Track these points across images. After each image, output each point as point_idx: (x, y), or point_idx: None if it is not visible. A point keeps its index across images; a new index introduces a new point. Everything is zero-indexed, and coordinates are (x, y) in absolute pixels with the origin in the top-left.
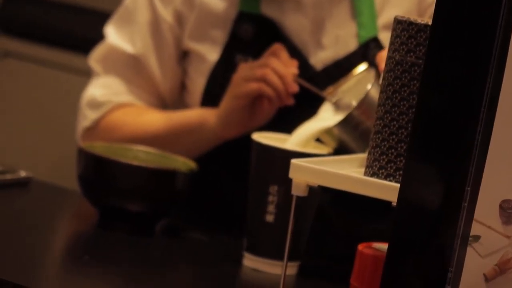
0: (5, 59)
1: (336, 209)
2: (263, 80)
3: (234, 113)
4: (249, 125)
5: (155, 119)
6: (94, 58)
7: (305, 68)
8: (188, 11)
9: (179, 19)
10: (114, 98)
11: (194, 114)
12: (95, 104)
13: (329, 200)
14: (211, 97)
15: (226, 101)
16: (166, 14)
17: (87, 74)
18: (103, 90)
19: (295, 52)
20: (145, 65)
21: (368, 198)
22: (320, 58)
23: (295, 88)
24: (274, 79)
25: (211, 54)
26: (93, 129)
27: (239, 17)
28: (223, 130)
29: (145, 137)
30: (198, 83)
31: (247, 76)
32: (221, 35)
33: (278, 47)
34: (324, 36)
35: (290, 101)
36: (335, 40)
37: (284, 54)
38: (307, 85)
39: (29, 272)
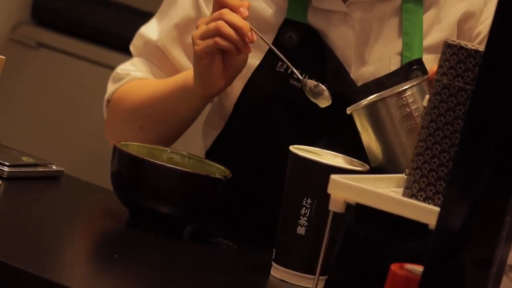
0: (38, 50)
1: (366, 226)
2: (218, 34)
3: (204, 72)
4: (227, 78)
5: (151, 86)
6: (132, 43)
7: (345, 82)
8: None
9: None
10: (132, 73)
11: (180, 76)
12: (115, 78)
13: (360, 217)
14: (248, 102)
15: (194, 63)
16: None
17: None
18: (127, 67)
19: (337, 65)
20: (167, 55)
21: (400, 218)
22: (361, 74)
23: (252, 38)
24: (229, 31)
25: (253, 59)
26: (110, 101)
27: (284, 24)
28: (203, 90)
29: (143, 104)
30: (236, 86)
31: (202, 33)
32: (263, 42)
33: None
34: (367, 52)
35: (249, 50)
36: (379, 58)
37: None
38: (263, 38)
39: (57, 267)
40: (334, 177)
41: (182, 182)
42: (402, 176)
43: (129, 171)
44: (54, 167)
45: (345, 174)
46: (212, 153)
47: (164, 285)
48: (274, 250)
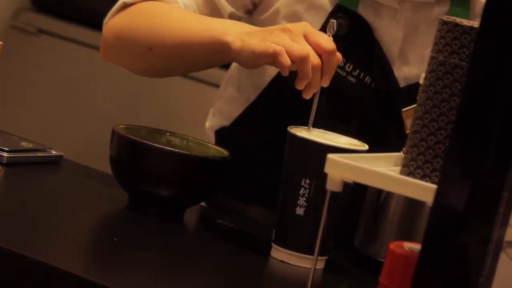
0: (39, 36)
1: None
2: (302, 61)
3: (254, 59)
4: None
5: (182, 17)
6: None
7: (389, 80)
8: None
9: None
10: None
11: (217, 28)
12: None
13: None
14: (283, 82)
15: (253, 44)
16: None
17: None
18: None
19: (383, 60)
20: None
21: None
22: (403, 73)
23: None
24: (308, 69)
25: None
26: (130, 7)
27: (336, 9)
28: (243, 64)
29: (166, 32)
30: None
31: (289, 48)
32: (312, 24)
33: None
34: (412, 53)
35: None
36: (421, 59)
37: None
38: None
39: (56, 251)
40: (331, 156)
41: (182, 164)
42: (400, 154)
43: (128, 155)
44: (54, 152)
45: (343, 153)
46: (232, 131)
47: (164, 267)
48: (274, 231)
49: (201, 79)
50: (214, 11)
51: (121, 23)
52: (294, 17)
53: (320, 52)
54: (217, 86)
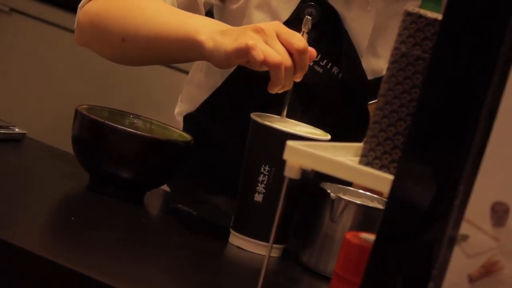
0: (11, 14)
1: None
2: (274, 66)
3: (227, 59)
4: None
5: (156, 10)
6: None
7: (356, 71)
8: None
9: None
10: None
11: (191, 25)
12: None
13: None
14: (245, 73)
15: (225, 44)
16: None
17: None
18: None
19: (351, 52)
20: None
21: None
22: (371, 65)
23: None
24: (282, 73)
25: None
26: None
27: None
28: (216, 64)
29: (139, 24)
30: None
31: (265, 51)
32: (283, 12)
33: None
34: (380, 45)
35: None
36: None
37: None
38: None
39: (15, 229)
40: (290, 143)
41: (143, 147)
42: (361, 145)
43: (90, 135)
44: (17, 130)
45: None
46: (198, 116)
47: (121, 248)
48: (233, 217)
49: (172, 65)
50: None
51: (97, 10)
52: (265, 6)
53: (292, 52)
54: (188, 72)
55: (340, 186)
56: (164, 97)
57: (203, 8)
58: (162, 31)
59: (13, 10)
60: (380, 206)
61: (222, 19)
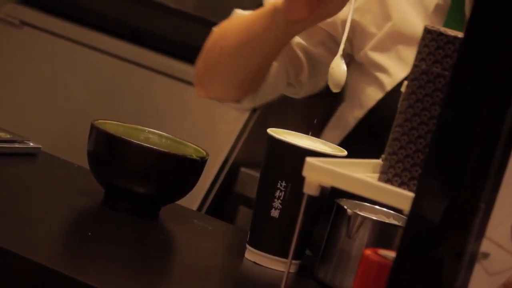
0: (21, 28)
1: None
2: None
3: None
4: (312, 9)
5: (245, 15)
6: None
7: None
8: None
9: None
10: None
11: (269, 4)
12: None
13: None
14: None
15: None
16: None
17: (100, 50)
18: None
19: None
20: None
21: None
22: None
23: None
24: None
25: (397, 70)
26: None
27: None
28: (289, 12)
29: (232, 28)
30: (371, 95)
31: None
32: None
33: None
34: None
35: None
36: None
37: None
38: None
39: (30, 244)
40: (309, 159)
41: (158, 162)
42: (379, 161)
43: (106, 150)
44: (31, 144)
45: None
46: None
47: (136, 263)
48: (249, 232)
49: (179, 77)
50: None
51: (204, 50)
52: (391, 51)
53: None
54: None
55: (357, 202)
56: (170, 109)
57: None
58: (249, 20)
59: (23, 23)
60: (397, 223)
61: None
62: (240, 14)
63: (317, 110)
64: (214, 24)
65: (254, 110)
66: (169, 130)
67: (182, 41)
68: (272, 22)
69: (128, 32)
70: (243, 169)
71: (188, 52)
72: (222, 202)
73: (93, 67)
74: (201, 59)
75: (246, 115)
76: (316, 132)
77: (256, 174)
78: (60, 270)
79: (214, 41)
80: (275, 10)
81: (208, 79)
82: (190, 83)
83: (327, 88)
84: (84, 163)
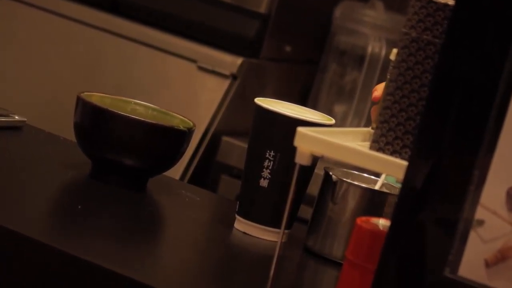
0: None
1: None
2: None
3: None
4: None
5: None
6: None
7: None
8: None
9: None
10: None
11: None
12: None
13: None
14: None
15: None
16: None
17: (80, 21)
18: None
19: None
20: None
21: None
22: None
23: None
24: None
25: None
26: None
27: None
28: None
29: None
30: None
31: None
32: None
33: None
34: None
35: None
36: None
37: None
38: None
39: (18, 218)
40: (300, 129)
41: (145, 133)
42: (368, 130)
43: (92, 122)
44: (17, 117)
45: (310, 127)
46: None
47: (125, 235)
48: (238, 202)
49: (159, 47)
50: None
51: None
52: None
53: None
54: (176, 55)
55: (345, 170)
56: (152, 80)
57: None
58: None
59: None
60: (384, 189)
61: None
62: None
63: (297, 77)
64: None
65: (234, 78)
66: (150, 100)
67: (162, 11)
68: None
69: (106, 2)
70: (224, 138)
71: (168, 22)
72: (204, 172)
73: (74, 39)
74: None
75: (226, 84)
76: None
77: (237, 142)
78: (50, 243)
79: None
80: None
81: None
82: (170, 53)
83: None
84: (68, 135)
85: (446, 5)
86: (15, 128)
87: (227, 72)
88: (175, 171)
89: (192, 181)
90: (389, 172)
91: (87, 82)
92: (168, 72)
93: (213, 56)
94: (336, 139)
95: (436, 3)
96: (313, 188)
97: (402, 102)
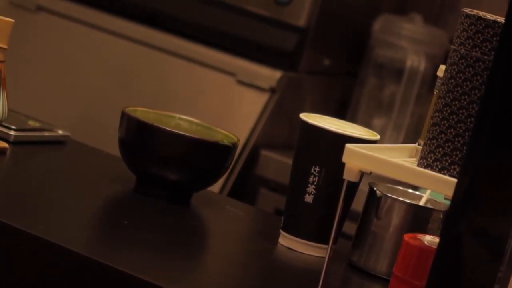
0: (37, 13)
1: None
2: None
3: None
4: None
5: None
6: None
7: None
8: None
9: None
10: None
11: None
12: None
13: None
14: None
15: None
16: None
17: (118, 34)
18: None
19: None
20: None
21: None
22: None
23: None
24: None
25: None
26: None
27: None
28: None
29: None
30: None
31: None
32: None
33: None
34: None
35: None
36: None
37: None
38: None
39: (64, 232)
40: (349, 146)
41: (190, 148)
42: (415, 146)
43: (137, 137)
44: (60, 132)
45: (355, 143)
46: None
47: (173, 251)
48: (283, 218)
49: (196, 59)
50: None
51: None
52: None
53: None
54: (214, 68)
55: (390, 185)
56: (189, 93)
57: None
58: None
59: (39, 8)
60: (428, 205)
61: None
62: None
63: (335, 90)
64: (233, 7)
65: (273, 92)
66: (189, 114)
67: (198, 23)
68: None
69: (145, 15)
70: (263, 152)
71: (207, 35)
72: (243, 185)
73: (111, 52)
74: None
75: (265, 97)
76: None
77: (276, 156)
78: (94, 257)
79: None
80: None
81: None
82: (209, 67)
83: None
84: (108, 148)
85: (495, 22)
86: (59, 142)
87: (266, 86)
88: (215, 185)
89: (231, 194)
90: (437, 189)
91: (126, 96)
92: (207, 85)
93: (252, 70)
94: (383, 156)
95: (485, 20)
96: (356, 204)
97: (451, 119)
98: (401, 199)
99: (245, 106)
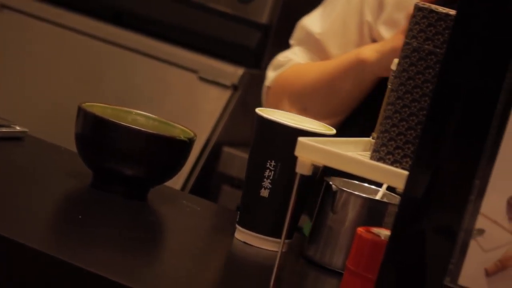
0: (1, 11)
1: None
2: None
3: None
4: None
5: (317, 67)
6: (293, 36)
7: None
8: None
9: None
10: (294, 58)
11: (351, 53)
12: (276, 65)
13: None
14: None
15: (396, 41)
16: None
17: (82, 32)
18: (288, 55)
19: None
20: (325, 47)
21: None
22: None
23: None
24: None
25: None
26: (272, 87)
27: None
28: (383, 69)
29: (309, 85)
30: None
31: None
32: None
33: None
34: None
35: None
36: None
37: None
38: None
39: (20, 228)
40: (301, 139)
41: (146, 143)
42: (369, 139)
43: (93, 132)
44: (18, 128)
45: (310, 136)
46: None
47: (126, 245)
48: (239, 212)
49: (160, 57)
50: None
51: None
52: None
53: None
54: (177, 65)
55: (346, 180)
56: (153, 91)
57: None
58: (332, 68)
59: (3, 6)
60: (384, 199)
61: None
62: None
63: None
64: (196, 4)
65: (235, 89)
66: (152, 110)
67: (161, 21)
68: (357, 75)
69: (109, 13)
70: (225, 148)
71: (169, 32)
72: (205, 182)
73: (76, 49)
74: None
75: (228, 94)
76: None
77: (238, 153)
78: (50, 252)
79: (285, 102)
80: (360, 64)
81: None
82: (171, 64)
83: None
84: (69, 145)
85: (447, 15)
86: (16, 138)
87: (228, 83)
88: (176, 181)
89: (193, 191)
90: (390, 182)
91: (89, 93)
92: (169, 82)
93: (214, 67)
94: (337, 149)
95: (437, 13)
96: None
97: (403, 112)
98: (356, 193)
99: (208, 103)
